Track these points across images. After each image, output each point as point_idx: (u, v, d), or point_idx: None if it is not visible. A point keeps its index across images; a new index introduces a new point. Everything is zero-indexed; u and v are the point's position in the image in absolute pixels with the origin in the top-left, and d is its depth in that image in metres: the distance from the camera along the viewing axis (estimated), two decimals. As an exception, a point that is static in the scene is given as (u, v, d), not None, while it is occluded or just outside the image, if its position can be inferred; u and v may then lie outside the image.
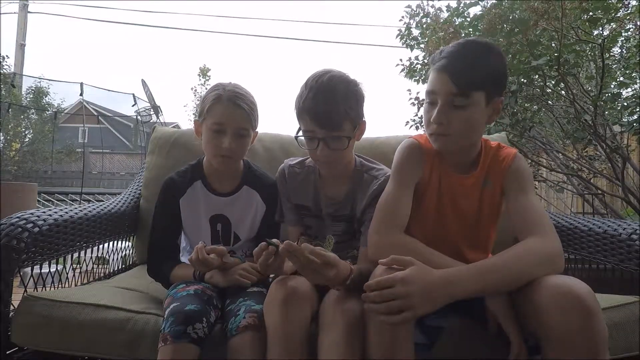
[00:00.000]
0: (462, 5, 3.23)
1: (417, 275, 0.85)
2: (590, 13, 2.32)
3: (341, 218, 1.22)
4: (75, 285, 1.41)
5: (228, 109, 1.16)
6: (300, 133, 1.14)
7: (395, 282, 0.83)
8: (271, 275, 1.25)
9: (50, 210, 1.22)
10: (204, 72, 10.83)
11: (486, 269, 0.90)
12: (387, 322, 0.83)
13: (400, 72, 3.80)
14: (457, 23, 3.21)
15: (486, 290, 0.91)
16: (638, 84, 2.75)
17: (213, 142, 1.17)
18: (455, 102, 1.00)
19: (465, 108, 1.00)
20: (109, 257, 1.65)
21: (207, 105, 1.18)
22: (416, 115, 3.60)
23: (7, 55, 9.17)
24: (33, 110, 10.87)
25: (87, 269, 1.55)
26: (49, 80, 10.95)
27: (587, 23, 2.40)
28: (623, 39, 2.83)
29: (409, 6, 3.72)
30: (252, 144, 1.27)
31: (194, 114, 10.95)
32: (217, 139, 1.17)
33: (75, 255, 1.36)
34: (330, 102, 1.05)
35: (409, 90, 3.64)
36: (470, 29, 3.06)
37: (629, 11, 2.56)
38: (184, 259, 1.28)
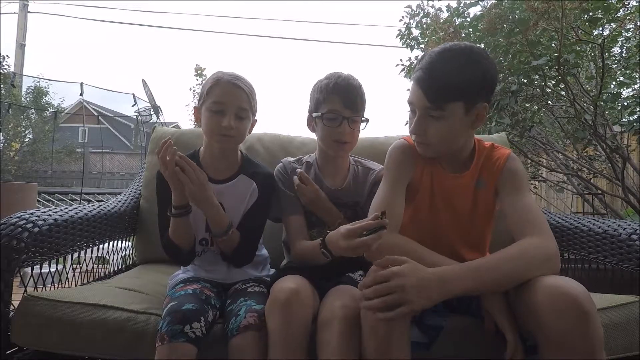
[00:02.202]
0: (462, 5, 3.23)
1: (411, 270, 0.85)
2: (590, 13, 2.32)
3: (344, 205, 1.27)
4: (75, 285, 1.41)
5: (228, 89, 1.17)
6: (320, 114, 1.24)
7: (390, 276, 0.84)
8: (270, 275, 1.26)
9: (50, 210, 1.22)
10: (199, 72, 10.84)
11: (481, 268, 0.90)
12: (383, 318, 0.84)
13: (400, 72, 3.80)
14: (457, 23, 3.21)
15: (481, 289, 0.91)
16: (638, 84, 2.75)
17: (213, 121, 1.16)
18: (431, 114, 1.01)
19: (441, 119, 1.01)
20: (109, 257, 1.65)
21: (207, 87, 1.18)
22: (416, 115, 3.60)
23: (7, 55, 9.18)
24: (33, 110, 10.88)
25: (87, 269, 1.55)
26: (49, 80, 10.97)
27: (587, 23, 2.40)
28: (623, 39, 2.83)
29: (409, 6, 3.72)
30: (250, 132, 1.26)
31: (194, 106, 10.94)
32: (217, 118, 1.16)
33: (75, 255, 1.36)
34: (356, 89, 1.25)
35: (409, 90, 3.64)
36: (470, 29, 3.06)
37: (629, 11, 2.56)
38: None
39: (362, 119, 1.27)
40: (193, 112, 1.25)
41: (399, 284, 0.83)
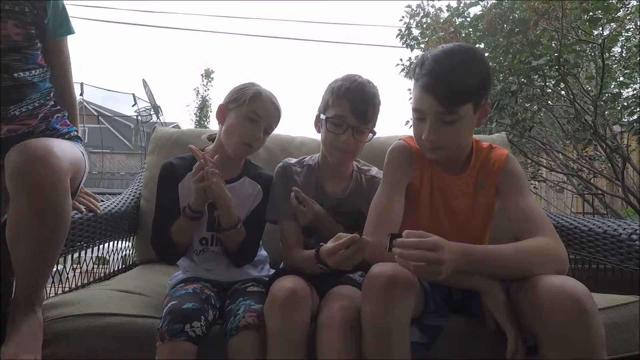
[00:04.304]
0: (462, 5, 3.23)
1: (445, 244, 0.86)
2: (590, 13, 2.32)
3: (345, 214, 1.24)
4: (76, 285, 1.41)
5: (267, 106, 1.22)
6: (325, 117, 1.20)
7: (432, 247, 0.84)
8: (269, 275, 1.26)
9: (50, 210, 1.21)
10: (208, 74, 11.02)
11: (494, 253, 0.93)
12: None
13: (400, 72, 3.80)
14: (457, 23, 3.21)
15: (492, 273, 0.95)
16: (638, 84, 2.76)
17: (244, 128, 1.20)
18: (445, 119, 1.00)
19: (454, 123, 1.01)
20: (109, 257, 1.65)
21: (249, 96, 1.21)
22: (416, 115, 3.60)
23: (7, 55, 9.14)
24: (33, 110, 10.84)
25: (87, 269, 1.55)
26: (49, 80, 10.93)
27: (587, 23, 2.40)
28: (623, 39, 2.83)
29: (409, 6, 3.72)
30: None
31: (195, 113, 11.01)
32: (249, 128, 1.20)
33: (75, 255, 1.36)
34: (369, 97, 1.19)
35: (409, 89, 3.65)
36: (470, 29, 3.06)
37: (629, 11, 2.56)
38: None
39: (370, 130, 1.21)
40: (218, 108, 1.26)
41: (439, 258, 0.83)
